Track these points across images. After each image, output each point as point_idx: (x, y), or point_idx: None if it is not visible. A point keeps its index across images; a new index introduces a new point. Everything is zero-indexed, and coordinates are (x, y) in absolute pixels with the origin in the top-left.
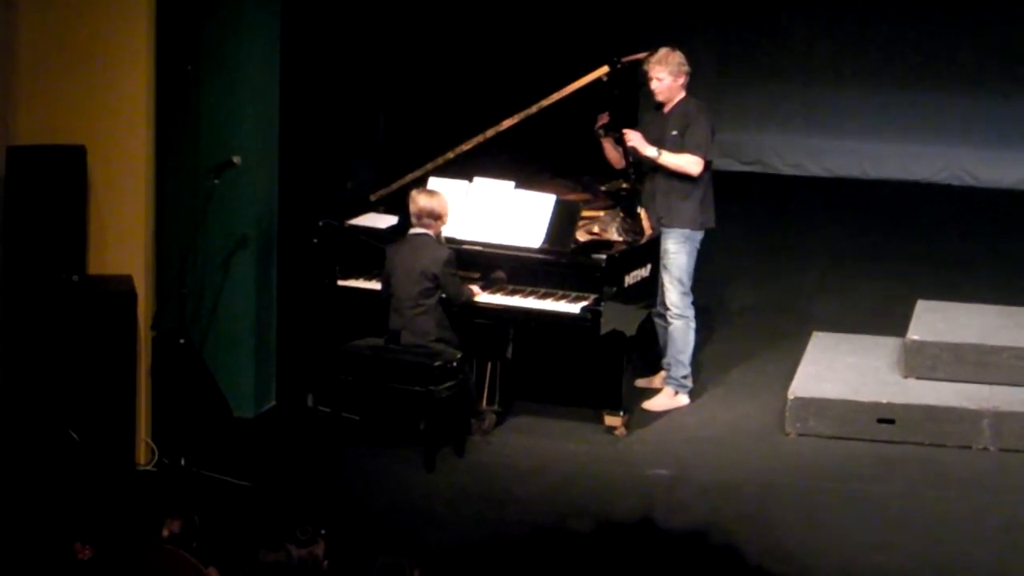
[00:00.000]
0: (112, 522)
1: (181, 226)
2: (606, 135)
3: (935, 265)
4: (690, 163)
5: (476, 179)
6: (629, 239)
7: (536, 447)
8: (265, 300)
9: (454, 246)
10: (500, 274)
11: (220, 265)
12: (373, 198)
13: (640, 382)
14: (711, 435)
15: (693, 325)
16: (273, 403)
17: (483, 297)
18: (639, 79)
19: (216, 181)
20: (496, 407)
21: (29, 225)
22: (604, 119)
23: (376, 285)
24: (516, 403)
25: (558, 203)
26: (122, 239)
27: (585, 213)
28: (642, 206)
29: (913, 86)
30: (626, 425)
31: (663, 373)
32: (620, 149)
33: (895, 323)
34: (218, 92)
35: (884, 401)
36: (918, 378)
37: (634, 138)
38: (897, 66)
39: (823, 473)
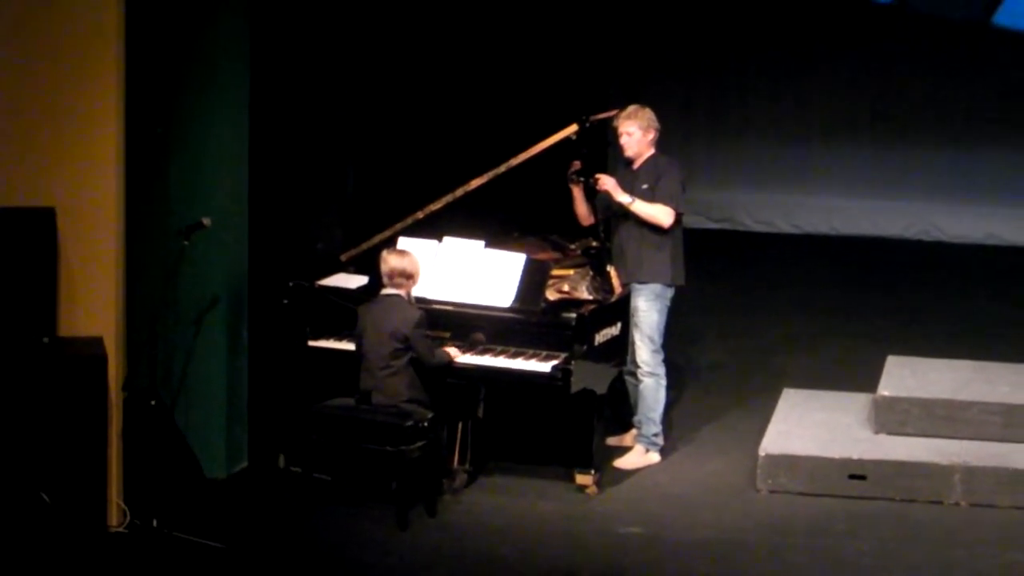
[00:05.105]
0: None
1: (152, 287)
2: (578, 180)
3: (905, 320)
4: (662, 213)
5: (446, 239)
6: (599, 297)
7: (507, 506)
8: (236, 361)
9: (424, 306)
10: (479, 336)
11: (191, 326)
12: (343, 258)
13: (611, 440)
14: (682, 492)
15: (664, 383)
16: (245, 464)
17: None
18: (608, 137)
19: (186, 242)
20: (467, 466)
21: None
22: (576, 165)
23: (347, 345)
24: (487, 462)
25: (528, 262)
26: (92, 301)
27: (555, 272)
28: (612, 264)
29: (882, 142)
30: (597, 483)
31: (634, 431)
32: (590, 204)
33: (865, 379)
34: (188, 154)
35: (855, 457)
36: (889, 434)
37: (608, 183)
38: (865, 123)
39: (794, 529)
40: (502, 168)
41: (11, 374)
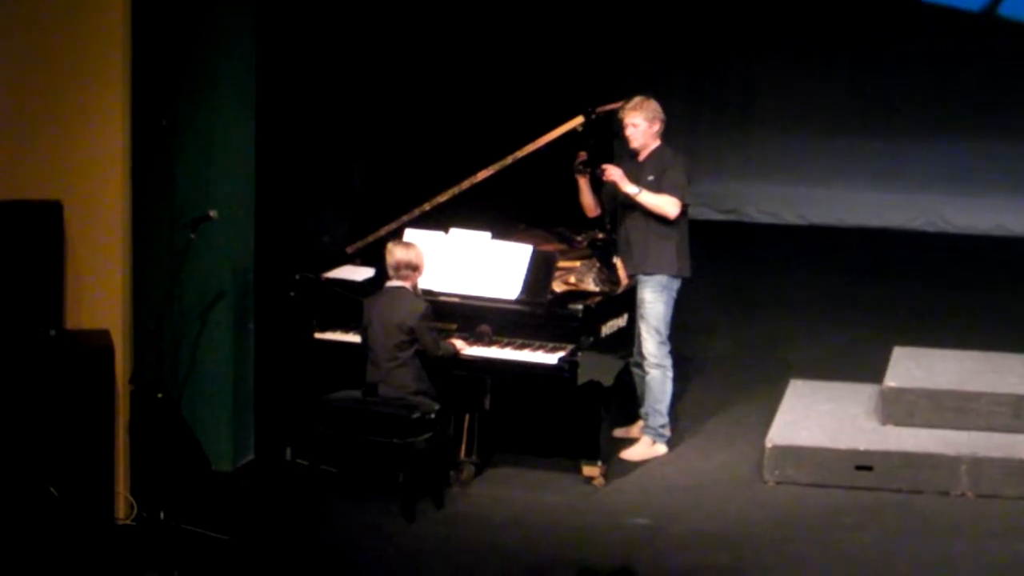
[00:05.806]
0: None
1: (158, 280)
2: (584, 172)
3: (911, 311)
4: (668, 203)
5: (452, 230)
6: (606, 289)
7: (514, 498)
8: (242, 353)
9: (431, 298)
10: (485, 327)
11: (197, 319)
12: (349, 250)
13: (618, 432)
14: (689, 484)
15: (671, 374)
16: (251, 456)
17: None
18: (614, 129)
19: (193, 235)
20: (474, 458)
21: (5, 280)
22: (583, 157)
23: (353, 338)
24: (494, 454)
25: (535, 253)
26: (99, 293)
27: (561, 263)
28: (618, 255)
29: (887, 133)
30: (604, 475)
31: (641, 423)
32: (596, 196)
33: (872, 370)
34: (194, 147)
35: (862, 448)
36: (896, 425)
37: (614, 173)
38: (871, 114)
39: (801, 521)
40: (508, 160)
41: (18, 367)
